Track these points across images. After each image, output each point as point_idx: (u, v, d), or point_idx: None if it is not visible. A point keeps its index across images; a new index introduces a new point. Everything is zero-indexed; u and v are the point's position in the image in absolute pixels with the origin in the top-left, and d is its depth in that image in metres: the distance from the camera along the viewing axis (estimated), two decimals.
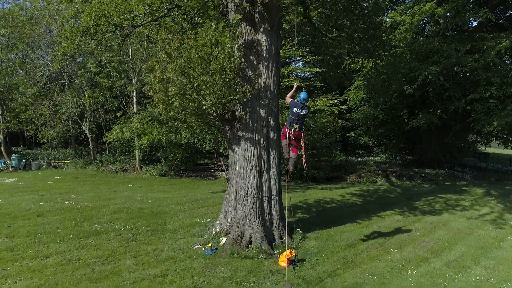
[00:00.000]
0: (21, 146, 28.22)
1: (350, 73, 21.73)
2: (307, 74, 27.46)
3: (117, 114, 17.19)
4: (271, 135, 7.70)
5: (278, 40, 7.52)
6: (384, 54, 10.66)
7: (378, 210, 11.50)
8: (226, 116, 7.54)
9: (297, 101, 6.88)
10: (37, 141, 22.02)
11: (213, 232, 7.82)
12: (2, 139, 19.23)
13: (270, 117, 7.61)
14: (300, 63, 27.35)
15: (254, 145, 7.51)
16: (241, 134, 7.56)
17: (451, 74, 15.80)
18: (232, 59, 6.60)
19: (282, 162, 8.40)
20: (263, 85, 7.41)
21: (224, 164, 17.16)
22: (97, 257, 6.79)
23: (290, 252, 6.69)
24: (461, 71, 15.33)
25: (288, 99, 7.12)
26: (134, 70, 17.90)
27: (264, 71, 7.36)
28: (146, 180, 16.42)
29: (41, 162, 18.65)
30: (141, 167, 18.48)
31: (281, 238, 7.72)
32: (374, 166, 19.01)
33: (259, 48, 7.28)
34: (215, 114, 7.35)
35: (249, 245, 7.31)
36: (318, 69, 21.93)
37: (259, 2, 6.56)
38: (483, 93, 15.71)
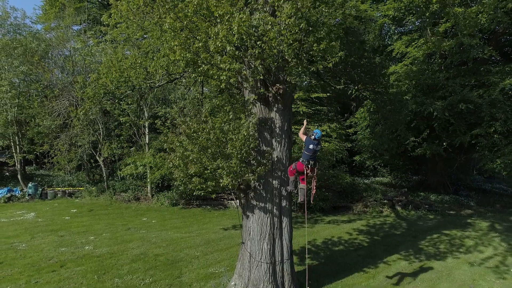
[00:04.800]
0: (34, 166, 28.99)
1: (357, 98, 22.11)
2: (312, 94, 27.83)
3: (131, 149, 17.81)
4: (283, 203, 8.17)
5: (290, 115, 7.98)
6: (390, 107, 11.10)
7: (384, 254, 11.90)
8: (241, 186, 8.01)
9: (314, 138, 7.37)
10: (51, 163, 22.55)
11: None
12: (19, 167, 19.86)
13: (282, 188, 8.07)
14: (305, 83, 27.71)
15: (267, 214, 7.98)
16: (255, 203, 8.03)
17: (456, 111, 16.14)
18: (248, 142, 7.08)
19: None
20: (276, 159, 7.88)
21: (233, 193, 17.62)
22: None
23: None
24: (466, 107, 15.65)
25: (302, 136, 7.67)
26: (146, 102, 18.44)
27: (277, 146, 7.83)
28: (158, 212, 16.96)
29: (57, 190, 19.26)
30: (152, 195, 19.02)
31: None
32: (380, 194, 19.38)
33: (272, 125, 7.75)
34: (230, 187, 7.83)
35: None
36: (324, 95, 22.34)
37: (273, 91, 7.02)
38: (488, 129, 16.05)
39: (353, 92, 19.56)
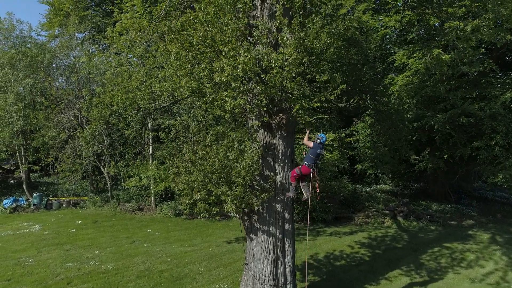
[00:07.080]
0: (39, 173, 29.23)
1: (359, 112, 22.21)
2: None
3: (136, 162, 18.04)
4: (286, 226, 8.33)
5: (293, 141, 8.14)
6: (390, 127, 11.26)
7: (385, 270, 12.03)
8: (245, 210, 8.17)
9: (320, 142, 7.57)
10: (55, 170, 22.72)
11: None
12: (24, 177, 20.10)
13: (285, 211, 8.24)
14: None
15: (271, 237, 8.15)
16: (258, 226, 8.20)
17: (457, 124, 16.27)
18: (252, 168, 7.25)
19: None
20: (279, 183, 8.05)
21: (237, 215, 17.79)
22: None
23: None
24: (467, 121, 15.78)
25: (309, 143, 7.84)
26: (150, 113, 18.62)
27: (280, 170, 8.00)
28: (162, 223, 17.15)
29: (61, 200, 19.48)
30: (156, 205, 19.21)
31: None
32: (382, 204, 19.53)
33: (275, 151, 7.92)
34: (234, 212, 8.00)
35: None
36: (325, 105, 22.43)
37: (277, 120, 7.19)
38: (489, 141, 16.16)
39: (354, 105, 19.78)
